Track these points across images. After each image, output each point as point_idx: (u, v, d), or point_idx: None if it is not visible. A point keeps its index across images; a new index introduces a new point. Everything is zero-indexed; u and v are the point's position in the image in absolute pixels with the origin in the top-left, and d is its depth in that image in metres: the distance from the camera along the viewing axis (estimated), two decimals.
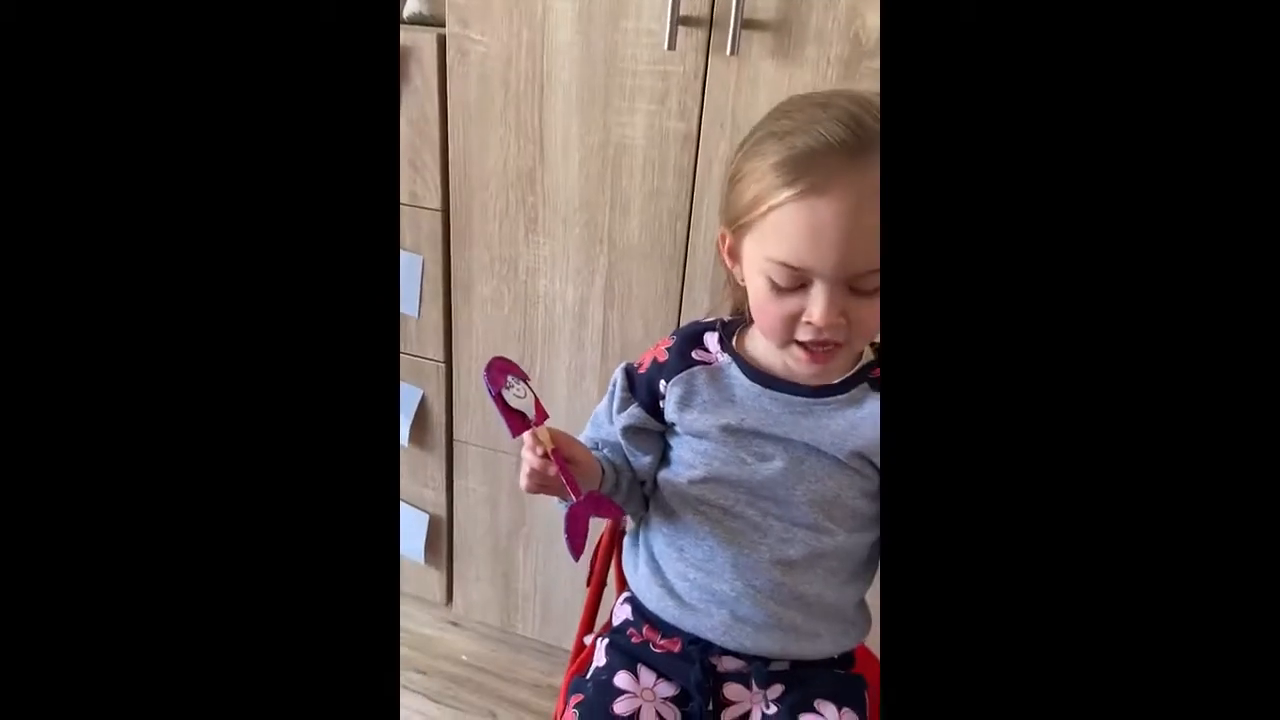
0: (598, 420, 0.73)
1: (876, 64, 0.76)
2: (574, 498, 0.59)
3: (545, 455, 0.58)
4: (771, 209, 0.55)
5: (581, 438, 0.71)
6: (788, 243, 0.55)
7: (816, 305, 0.56)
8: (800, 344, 0.59)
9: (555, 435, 0.60)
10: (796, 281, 0.56)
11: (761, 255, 0.57)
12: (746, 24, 0.78)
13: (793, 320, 0.58)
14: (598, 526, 0.68)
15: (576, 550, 0.59)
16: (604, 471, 0.66)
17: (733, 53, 0.78)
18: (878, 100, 0.57)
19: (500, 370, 0.58)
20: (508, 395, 0.58)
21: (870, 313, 0.57)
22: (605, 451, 0.70)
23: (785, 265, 0.55)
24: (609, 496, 0.66)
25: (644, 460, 0.69)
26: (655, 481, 0.71)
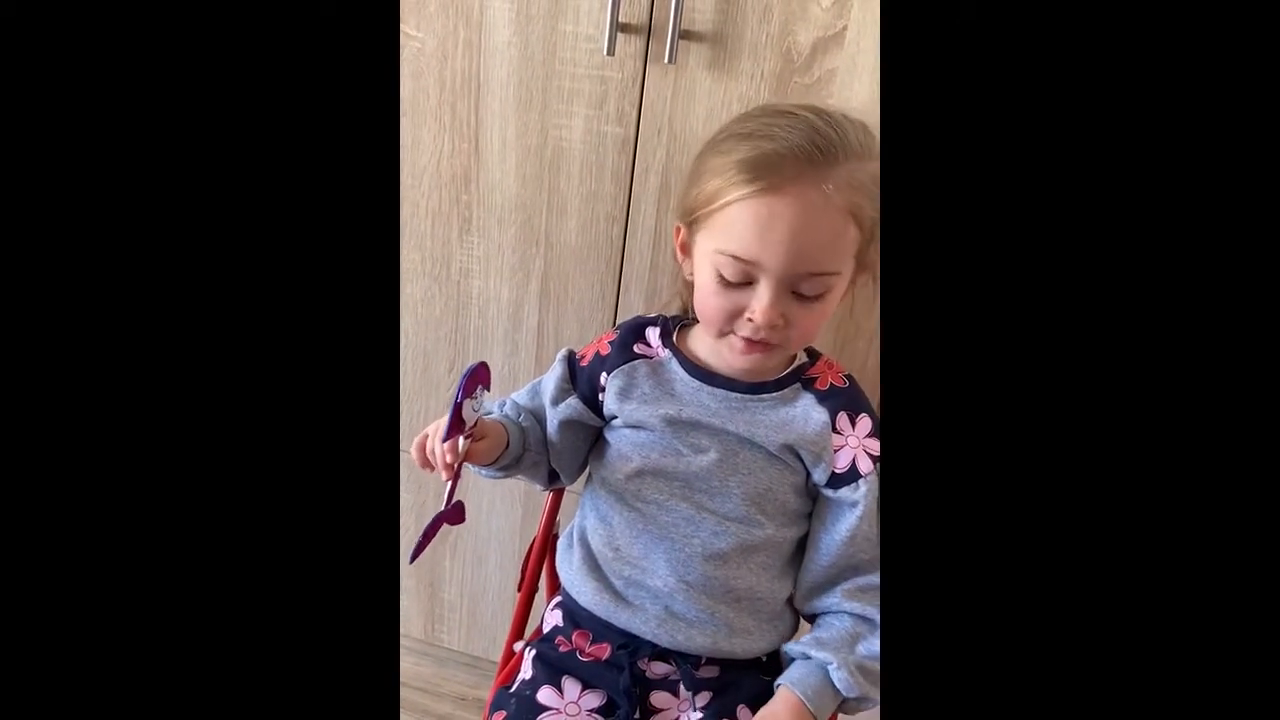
0: (536, 390, 0.73)
1: (807, 80, 0.79)
2: (444, 506, 0.61)
3: (450, 465, 0.59)
4: (728, 203, 0.58)
5: (516, 395, 0.73)
6: (740, 236, 0.58)
7: (760, 301, 0.58)
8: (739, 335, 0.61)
9: (470, 450, 0.61)
10: (743, 276, 0.59)
11: (713, 248, 0.60)
12: (684, 34, 0.80)
13: (734, 315, 0.60)
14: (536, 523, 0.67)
15: (418, 551, 0.60)
16: (508, 445, 0.67)
17: (670, 61, 0.79)
18: (839, 115, 0.61)
19: (478, 381, 0.59)
20: (467, 405, 0.58)
21: (809, 318, 0.59)
22: (522, 420, 0.70)
23: (735, 258, 0.58)
24: (503, 468, 0.68)
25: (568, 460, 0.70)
26: (590, 480, 0.71)
